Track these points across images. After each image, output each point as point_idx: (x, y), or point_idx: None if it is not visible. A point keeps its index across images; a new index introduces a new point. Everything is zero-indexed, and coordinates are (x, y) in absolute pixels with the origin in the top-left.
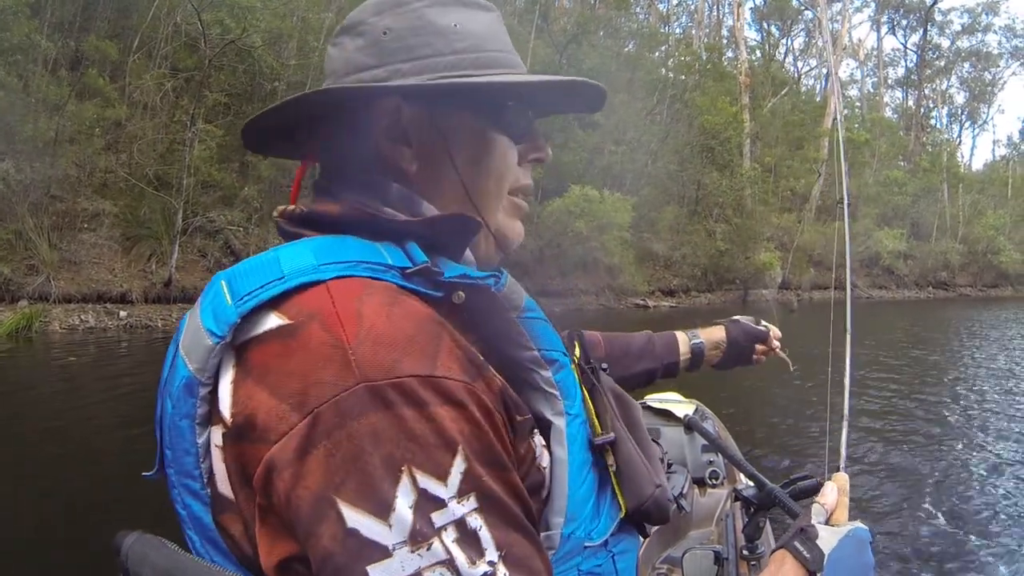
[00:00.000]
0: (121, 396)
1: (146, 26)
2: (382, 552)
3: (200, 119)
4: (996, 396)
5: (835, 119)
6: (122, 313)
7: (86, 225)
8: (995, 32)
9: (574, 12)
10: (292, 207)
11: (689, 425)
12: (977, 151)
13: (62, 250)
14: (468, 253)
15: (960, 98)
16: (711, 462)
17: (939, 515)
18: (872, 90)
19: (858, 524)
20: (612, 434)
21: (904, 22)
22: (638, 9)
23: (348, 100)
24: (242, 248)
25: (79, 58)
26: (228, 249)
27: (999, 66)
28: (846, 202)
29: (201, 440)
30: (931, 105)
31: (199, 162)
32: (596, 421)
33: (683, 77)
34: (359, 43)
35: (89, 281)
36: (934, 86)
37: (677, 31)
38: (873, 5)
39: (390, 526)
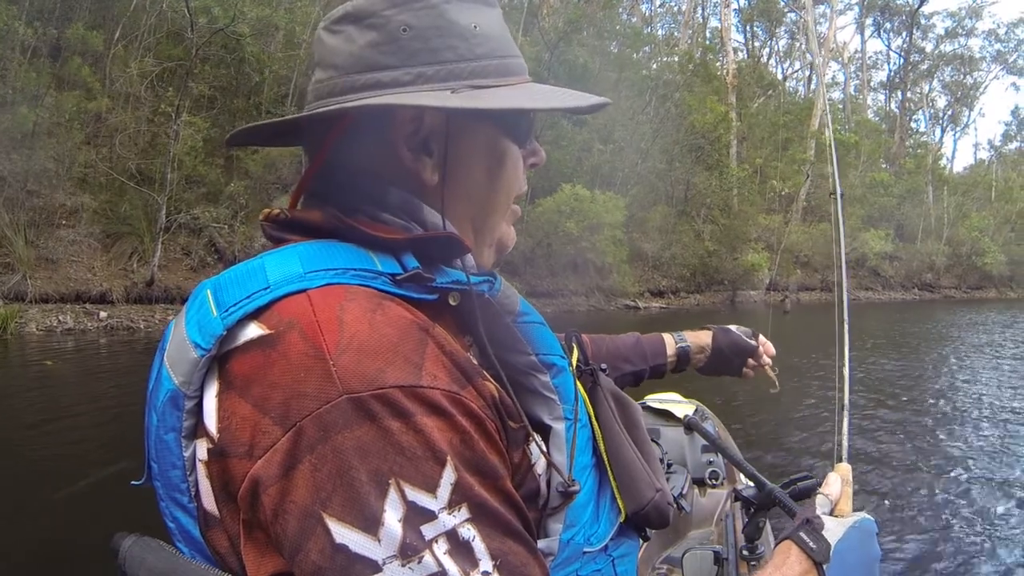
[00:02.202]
0: (102, 401)
1: (129, 16)
2: (372, 567)
3: (185, 111)
4: (994, 390)
5: (821, 116)
6: (102, 314)
7: (64, 221)
8: (976, 36)
9: (563, 10)
10: (277, 211)
11: (689, 425)
12: (958, 154)
13: (39, 247)
14: (470, 259)
15: (942, 101)
16: (711, 462)
17: (945, 507)
18: (855, 93)
19: (864, 515)
20: (577, 486)
21: (888, 25)
22: (620, 10)
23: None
24: (227, 246)
25: (59, 47)
26: (213, 247)
27: (981, 70)
28: (838, 192)
29: (187, 454)
30: (913, 108)
31: (184, 156)
32: (596, 424)
33: (673, 76)
34: (372, 37)
35: (67, 280)
36: (918, 90)
37: (660, 32)
38: (856, 8)
39: (379, 540)
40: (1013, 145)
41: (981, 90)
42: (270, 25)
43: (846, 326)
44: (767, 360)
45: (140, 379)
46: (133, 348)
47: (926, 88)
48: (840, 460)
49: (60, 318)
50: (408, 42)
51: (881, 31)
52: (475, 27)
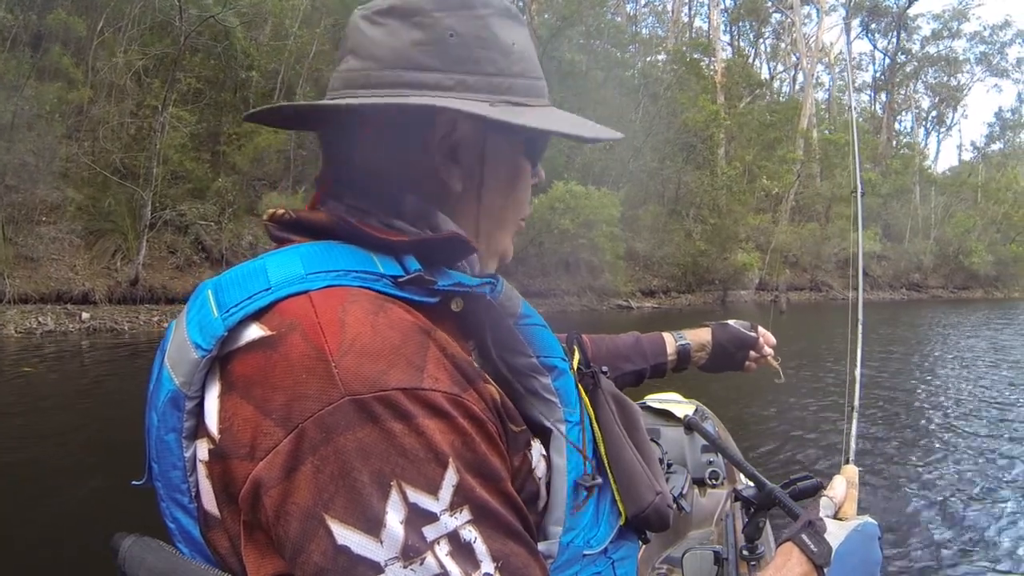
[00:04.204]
0: (88, 405)
1: (113, 5)
2: (374, 568)
3: (172, 104)
4: (996, 392)
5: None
6: (84, 315)
7: (45, 218)
8: (961, 38)
9: (555, 6)
10: (282, 211)
11: (689, 425)
12: (941, 155)
13: (18, 245)
14: (475, 261)
15: (925, 103)
16: (711, 462)
17: (948, 510)
18: (840, 94)
19: (867, 519)
20: (599, 479)
21: (873, 25)
22: (605, 8)
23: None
24: (214, 244)
25: (40, 35)
26: (199, 245)
27: (964, 72)
28: (859, 191)
29: (188, 454)
30: (897, 109)
31: (169, 150)
32: (597, 427)
33: (664, 74)
34: (417, 36)
35: (48, 279)
36: (902, 91)
37: (644, 31)
38: (842, 10)
39: (381, 542)
40: (996, 146)
41: (965, 92)
42: (259, 14)
43: (860, 327)
44: (768, 351)
45: (125, 382)
46: (117, 351)
47: (910, 89)
48: (847, 462)
49: (40, 319)
50: (453, 48)
51: (868, 32)
52: (513, 44)
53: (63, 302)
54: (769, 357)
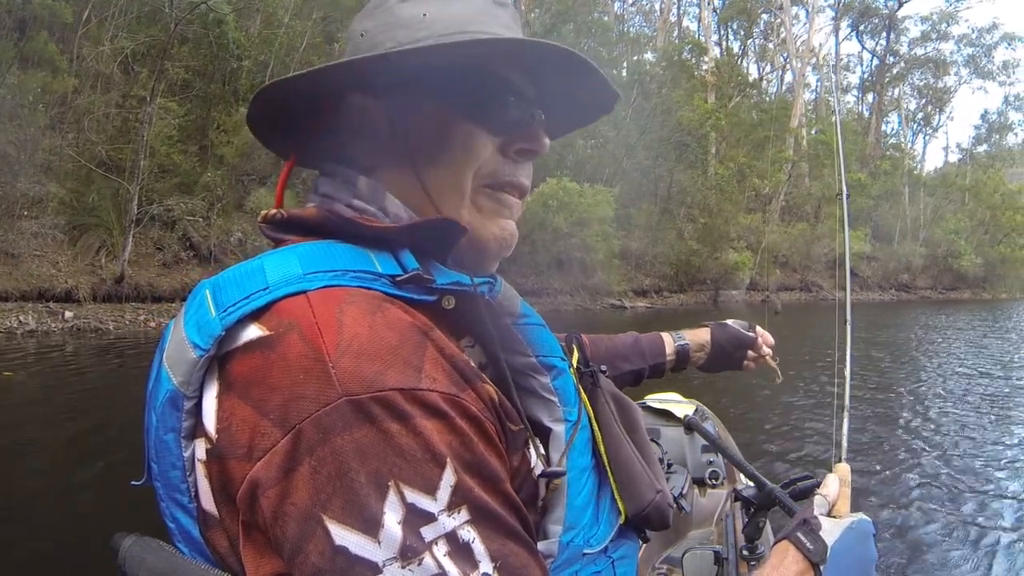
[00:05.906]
0: (77, 408)
1: None
2: (372, 569)
3: (159, 94)
4: (989, 391)
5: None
6: (68, 314)
7: (26, 212)
8: (949, 40)
9: (545, 3)
10: (275, 211)
11: (689, 425)
12: (928, 157)
13: None
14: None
15: (912, 104)
16: (711, 462)
17: (941, 508)
18: (828, 95)
19: (861, 516)
20: (562, 468)
21: (862, 27)
22: (594, 7)
23: (319, 98)
24: (202, 241)
25: (25, 21)
26: (187, 242)
27: (951, 73)
28: (845, 194)
29: (186, 454)
30: (885, 110)
31: (157, 142)
32: (596, 427)
33: (660, 71)
34: (346, 49)
35: (29, 277)
36: (890, 92)
37: (631, 31)
38: (829, 11)
39: (379, 542)
40: (982, 148)
41: (952, 93)
42: (251, 4)
43: (848, 326)
44: (767, 351)
45: (114, 384)
46: (102, 351)
47: (898, 91)
48: (839, 460)
49: (21, 319)
50: (362, 45)
51: (857, 33)
52: (424, 15)
53: (45, 300)
54: (767, 357)
